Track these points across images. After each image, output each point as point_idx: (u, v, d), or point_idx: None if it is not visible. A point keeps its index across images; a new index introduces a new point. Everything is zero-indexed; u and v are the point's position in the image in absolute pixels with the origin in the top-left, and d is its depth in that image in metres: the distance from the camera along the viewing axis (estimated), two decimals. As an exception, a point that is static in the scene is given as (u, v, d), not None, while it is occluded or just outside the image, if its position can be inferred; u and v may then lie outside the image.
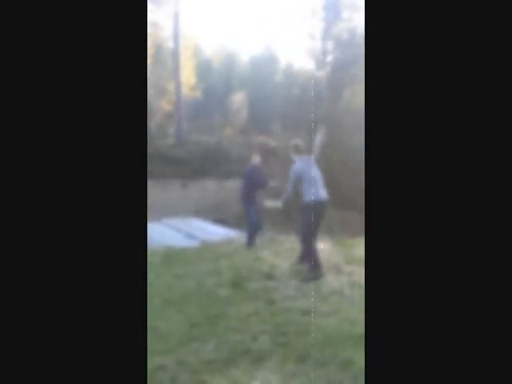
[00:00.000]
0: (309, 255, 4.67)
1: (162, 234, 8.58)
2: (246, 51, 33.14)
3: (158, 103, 21.16)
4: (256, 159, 6.82)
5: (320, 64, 18.40)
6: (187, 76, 21.51)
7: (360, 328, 3.28)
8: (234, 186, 6.85)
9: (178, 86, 19.48)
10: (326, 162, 5.63)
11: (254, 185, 6.65)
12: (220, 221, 10.82)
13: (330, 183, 4.95)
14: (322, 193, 4.76)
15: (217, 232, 8.97)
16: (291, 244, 6.20)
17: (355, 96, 15.35)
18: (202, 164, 17.04)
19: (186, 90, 20.95)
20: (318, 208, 4.68)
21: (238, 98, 26.28)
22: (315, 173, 4.78)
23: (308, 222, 4.70)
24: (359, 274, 4.64)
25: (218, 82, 27.96)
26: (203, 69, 26.67)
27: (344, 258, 5.30)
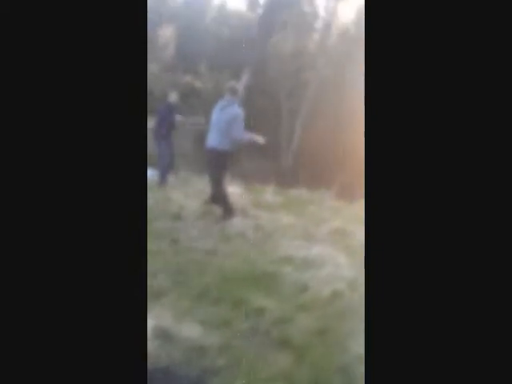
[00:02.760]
0: (218, 197, 4.70)
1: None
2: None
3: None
4: (172, 97, 6.61)
5: (252, 6, 17.88)
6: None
7: (258, 269, 3.40)
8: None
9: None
10: (248, 107, 5.58)
11: (167, 123, 6.48)
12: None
13: (249, 130, 4.90)
14: (221, 140, 4.66)
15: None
16: (203, 185, 6.18)
17: (284, 42, 15.20)
18: (121, 98, 16.19)
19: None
20: (217, 154, 4.66)
21: (166, 32, 24.95)
22: (221, 117, 4.67)
23: (209, 165, 4.71)
24: (264, 218, 4.77)
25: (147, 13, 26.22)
26: (131, -3, 24.80)
27: (251, 203, 5.40)
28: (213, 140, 4.65)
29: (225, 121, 4.60)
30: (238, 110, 4.65)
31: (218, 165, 4.67)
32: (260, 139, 4.81)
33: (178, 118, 6.67)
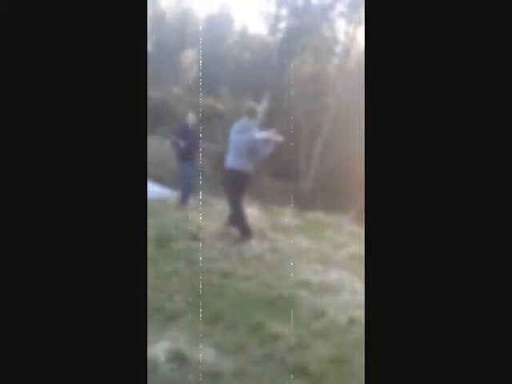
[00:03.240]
0: (236, 219, 4.70)
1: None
2: (202, 8, 31.96)
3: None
4: (191, 118, 6.71)
5: (272, 30, 18.13)
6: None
7: (274, 293, 3.38)
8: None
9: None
10: (267, 130, 5.63)
11: (191, 145, 6.56)
12: (157, 179, 10.61)
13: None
14: (240, 162, 4.68)
15: (151, 190, 8.80)
16: (222, 207, 6.20)
17: (304, 65, 15.33)
18: (144, 120, 16.45)
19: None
20: (236, 176, 4.69)
21: (190, 56, 25.46)
22: (239, 140, 4.69)
23: (227, 186, 4.73)
24: (282, 240, 4.75)
25: (170, 37, 26.86)
26: (156, 21, 25.49)
27: (269, 225, 5.38)
28: (231, 161, 4.68)
29: (243, 144, 4.64)
30: (257, 135, 4.68)
31: (236, 186, 4.69)
32: (279, 137, 4.82)
33: (204, 145, 6.78)
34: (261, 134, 4.70)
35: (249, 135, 4.66)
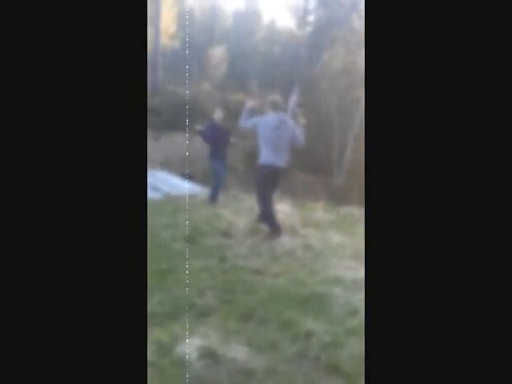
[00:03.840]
0: (266, 215, 4.65)
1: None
2: (230, 4, 32.02)
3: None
4: (218, 114, 6.70)
5: (301, 23, 17.97)
6: (167, 24, 20.69)
7: (307, 289, 3.31)
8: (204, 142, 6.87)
9: (157, 33, 18.74)
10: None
11: (222, 143, 6.57)
12: (187, 175, 10.68)
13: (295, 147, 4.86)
14: (278, 158, 4.62)
15: (182, 186, 8.87)
16: (252, 203, 6.17)
17: (334, 59, 15.13)
18: (174, 116, 16.65)
19: (164, 39, 20.20)
20: (271, 172, 4.62)
21: (218, 52, 25.55)
22: (280, 135, 4.60)
23: (261, 182, 4.65)
24: (314, 236, 4.67)
25: (198, 34, 27.03)
26: (184, 18, 25.68)
27: (301, 221, 5.32)
28: (270, 157, 4.59)
29: (285, 140, 4.59)
30: (296, 129, 4.65)
31: (271, 182, 4.63)
32: (302, 119, 4.77)
33: (233, 140, 6.78)
34: (298, 127, 4.65)
35: (290, 130, 4.61)
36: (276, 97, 4.84)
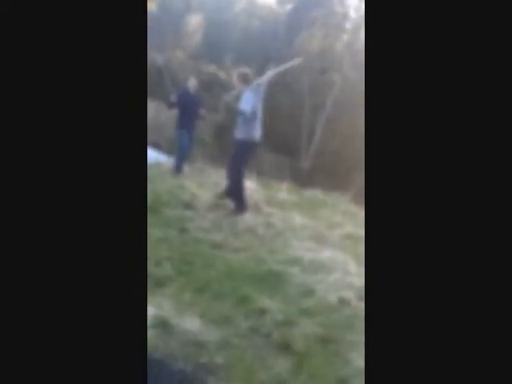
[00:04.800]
0: (235, 191, 4.61)
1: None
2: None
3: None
4: (192, 82, 6.56)
5: (282, 0, 17.73)
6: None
7: (265, 267, 3.33)
8: (175, 111, 6.65)
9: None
10: (269, 103, 5.52)
11: (192, 113, 6.44)
12: (153, 143, 10.48)
13: (267, 125, 4.82)
14: (255, 132, 4.58)
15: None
16: (218, 177, 6.12)
17: (311, 39, 15.02)
18: (144, 82, 16.17)
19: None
20: (247, 146, 4.57)
21: (195, 20, 24.88)
22: (258, 108, 4.58)
23: (236, 157, 4.60)
24: (277, 216, 4.68)
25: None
26: (162, -18, 24.79)
27: (265, 199, 5.32)
28: (247, 131, 4.53)
29: (259, 113, 4.55)
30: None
31: (244, 157, 4.58)
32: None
33: (203, 112, 6.64)
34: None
35: (262, 104, 4.58)
36: (246, 69, 4.76)
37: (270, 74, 4.64)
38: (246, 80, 4.60)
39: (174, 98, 6.48)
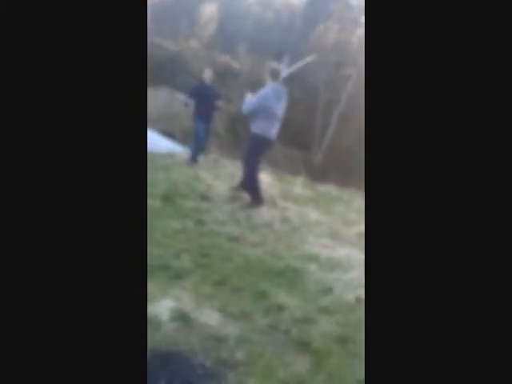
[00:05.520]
0: (250, 184, 4.60)
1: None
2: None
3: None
4: (207, 74, 6.54)
5: (299, -9, 17.56)
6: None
7: (282, 263, 3.32)
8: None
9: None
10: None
11: (209, 104, 6.43)
12: (167, 133, 10.48)
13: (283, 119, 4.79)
14: (272, 130, 4.54)
15: (161, 144, 8.69)
16: (233, 169, 6.11)
17: (327, 33, 14.86)
18: (158, 71, 16.19)
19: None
20: (263, 142, 4.55)
21: (209, 10, 24.74)
22: (279, 107, 4.51)
23: (251, 151, 4.58)
24: (292, 211, 4.67)
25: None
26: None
27: (281, 193, 5.30)
28: (265, 128, 4.49)
29: (281, 111, 4.52)
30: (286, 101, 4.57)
31: (259, 152, 4.57)
32: None
33: (220, 103, 6.64)
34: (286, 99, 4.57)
35: (286, 102, 4.54)
36: (275, 64, 4.70)
37: (285, 72, 4.61)
38: (275, 76, 4.53)
39: (186, 98, 6.54)
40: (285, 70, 4.67)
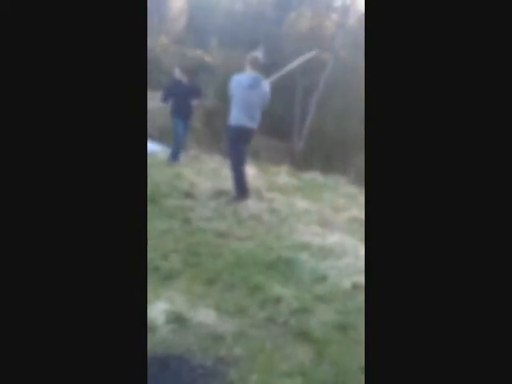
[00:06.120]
0: (236, 177, 4.52)
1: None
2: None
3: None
4: (177, 73, 6.46)
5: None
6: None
7: (274, 254, 3.28)
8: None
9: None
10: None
11: (186, 102, 6.36)
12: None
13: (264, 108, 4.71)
14: (250, 119, 4.43)
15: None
16: (215, 164, 6.05)
17: (300, 19, 14.78)
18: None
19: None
20: (241, 133, 4.47)
21: (178, 4, 24.41)
22: (254, 95, 4.43)
23: (232, 144, 4.51)
24: (279, 201, 4.62)
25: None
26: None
27: (266, 185, 5.25)
28: (240, 118, 4.39)
29: (257, 100, 4.39)
30: (267, 90, 4.45)
31: (240, 143, 4.48)
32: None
33: (196, 102, 6.57)
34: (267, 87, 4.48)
35: (263, 90, 4.42)
36: (258, 53, 4.61)
37: (287, 68, 4.55)
38: (256, 65, 4.43)
39: (161, 97, 6.48)
40: (288, 66, 4.62)
